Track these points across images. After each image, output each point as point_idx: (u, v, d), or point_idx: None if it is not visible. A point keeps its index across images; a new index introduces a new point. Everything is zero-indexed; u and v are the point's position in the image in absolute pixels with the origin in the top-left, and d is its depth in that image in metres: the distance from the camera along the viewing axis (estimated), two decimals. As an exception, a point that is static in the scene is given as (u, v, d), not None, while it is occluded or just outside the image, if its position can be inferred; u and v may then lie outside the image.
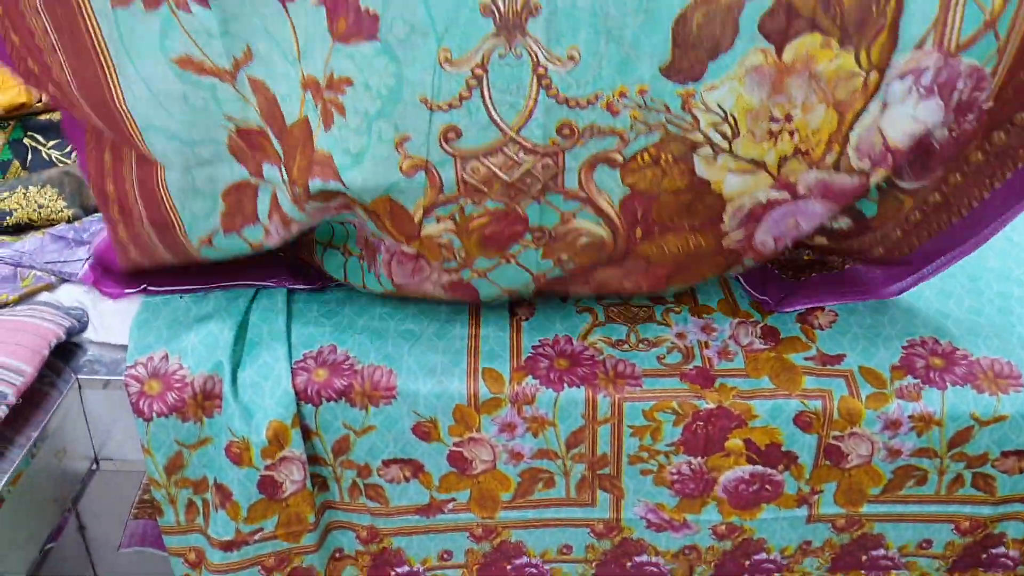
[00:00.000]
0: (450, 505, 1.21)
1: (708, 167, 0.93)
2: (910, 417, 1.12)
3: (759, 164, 0.93)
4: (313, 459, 1.16)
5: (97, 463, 1.26)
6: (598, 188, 0.94)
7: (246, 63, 0.92)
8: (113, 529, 1.62)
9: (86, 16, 0.91)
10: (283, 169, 0.96)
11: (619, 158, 0.92)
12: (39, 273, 1.29)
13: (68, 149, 1.44)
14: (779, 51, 0.87)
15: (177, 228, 1.07)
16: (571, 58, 0.87)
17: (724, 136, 0.91)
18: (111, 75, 0.94)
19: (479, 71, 0.87)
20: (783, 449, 1.15)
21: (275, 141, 0.96)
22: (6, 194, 1.35)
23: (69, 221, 1.37)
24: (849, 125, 0.91)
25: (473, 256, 1.01)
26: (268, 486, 1.13)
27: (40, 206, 1.35)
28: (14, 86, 1.38)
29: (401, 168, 0.92)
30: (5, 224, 1.35)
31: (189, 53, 0.91)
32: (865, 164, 0.92)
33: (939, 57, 0.87)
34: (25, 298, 1.25)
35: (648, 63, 0.87)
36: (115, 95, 0.94)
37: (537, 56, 0.87)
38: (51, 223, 1.36)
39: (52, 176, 1.37)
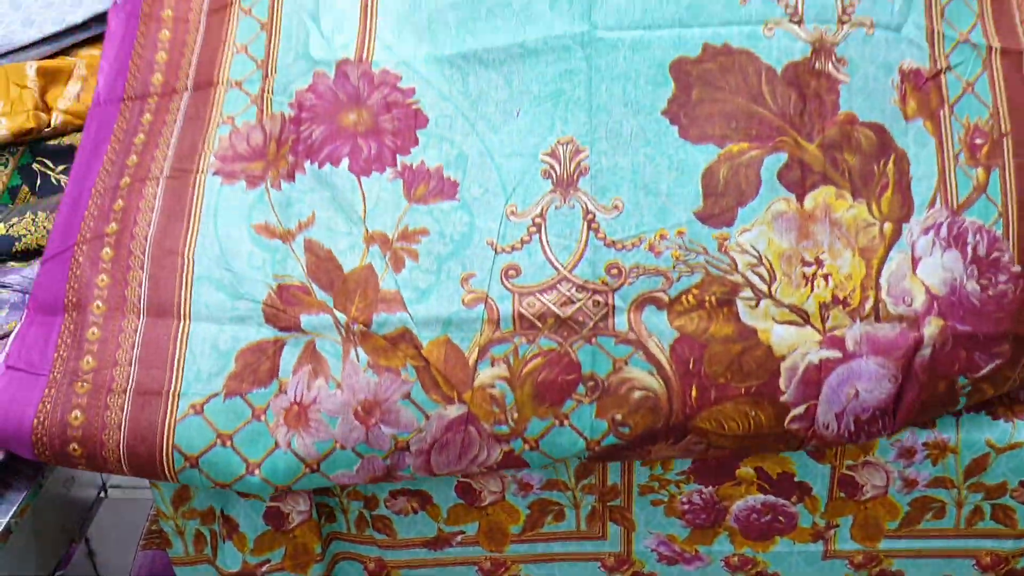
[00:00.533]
0: (458, 538, 1.19)
1: (752, 313, 1.03)
2: (924, 444, 1.10)
3: (802, 313, 1.03)
4: (319, 489, 1.15)
5: (105, 491, 1.26)
6: (648, 331, 1.03)
7: (308, 227, 1.10)
8: (123, 556, 1.61)
9: (196, 186, 1.14)
10: (336, 313, 1.07)
11: (665, 298, 1.03)
12: (47, 300, 1.29)
13: (77, 174, 1.44)
14: (800, 199, 1.04)
15: (165, 394, 1.05)
16: (615, 207, 1.06)
17: (762, 279, 1.03)
18: (192, 231, 1.11)
19: (539, 220, 1.07)
20: (796, 479, 1.13)
21: (319, 292, 1.08)
22: (15, 219, 1.35)
23: (78, 246, 1.37)
24: (877, 271, 1.04)
25: (526, 415, 1.03)
26: (274, 517, 1.12)
27: (49, 232, 1.34)
28: (23, 111, 1.38)
29: (463, 301, 1.05)
30: (14, 250, 1.34)
31: (268, 221, 1.11)
32: (903, 310, 1.02)
33: (948, 213, 1.04)
34: (33, 326, 1.25)
35: (683, 209, 1.05)
36: (187, 247, 1.10)
37: (587, 205, 1.07)
38: (60, 249, 1.36)
39: (59, 202, 1.37)
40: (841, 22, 1.11)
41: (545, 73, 1.13)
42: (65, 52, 1.51)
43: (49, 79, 1.44)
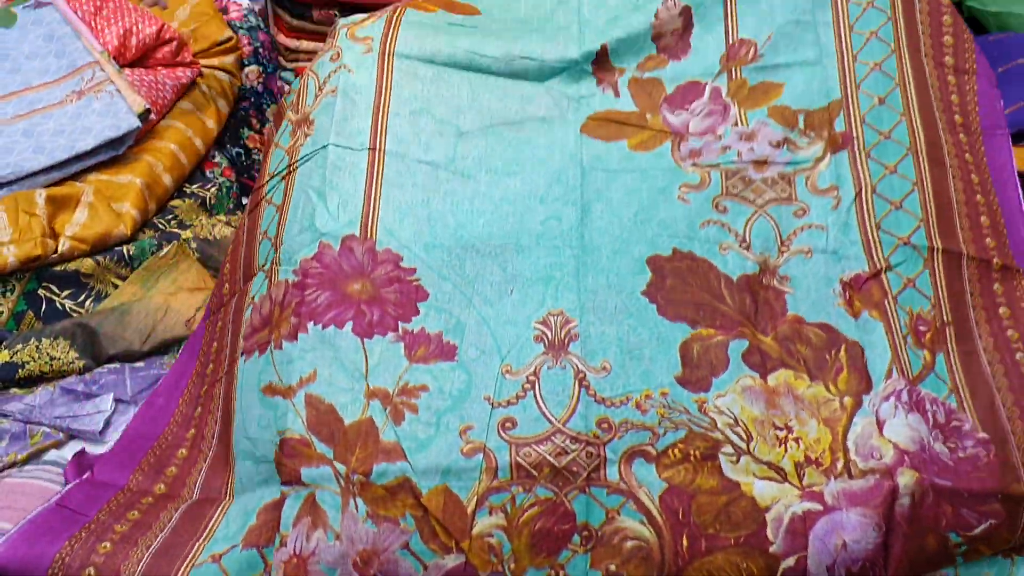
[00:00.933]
0: None
1: (734, 468, 1.11)
2: None
3: (779, 471, 1.11)
4: None
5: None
6: (637, 482, 1.10)
7: (309, 382, 1.16)
8: None
9: (236, 373, 1.24)
10: (336, 464, 1.11)
11: (653, 451, 1.11)
12: (47, 429, 1.30)
13: (82, 299, 1.46)
14: (764, 378, 1.18)
15: (190, 546, 1.10)
16: (604, 368, 1.18)
17: (740, 437, 1.13)
18: (233, 413, 1.21)
19: (532, 378, 1.17)
20: None
21: (319, 445, 1.12)
22: (19, 346, 1.37)
23: (80, 372, 1.38)
24: (843, 436, 1.12)
25: (523, 565, 1.06)
26: None
27: (52, 358, 1.36)
28: (31, 239, 1.40)
29: (462, 451, 1.12)
30: (17, 377, 1.36)
31: (272, 381, 1.18)
32: (874, 464, 1.09)
33: (905, 383, 1.16)
34: (33, 456, 1.26)
35: (666, 373, 1.17)
36: (232, 427, 1.19)
37: (577, 366, 1.18)
38: (63, 375, 1.38)
39: (65, 328, 1.39)
40: (781, 252, 1.30)
41: (537, 263, 1.29)
42: (74, 178, 1.56)
43: (57, 206, 1.48)
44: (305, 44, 2.01)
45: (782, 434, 1.13)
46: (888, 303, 1.23)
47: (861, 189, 1.33)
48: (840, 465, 1.10)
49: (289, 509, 1.09)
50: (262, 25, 1.95)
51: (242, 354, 1.25)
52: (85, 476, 1.21)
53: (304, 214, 1.31)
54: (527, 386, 1.17)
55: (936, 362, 1.19)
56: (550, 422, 1.13)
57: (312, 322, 1.21)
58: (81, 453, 1.24)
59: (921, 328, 1.22)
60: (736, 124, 1.42)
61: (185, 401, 1.31)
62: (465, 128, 1.41)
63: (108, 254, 1.48)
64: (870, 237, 1.29)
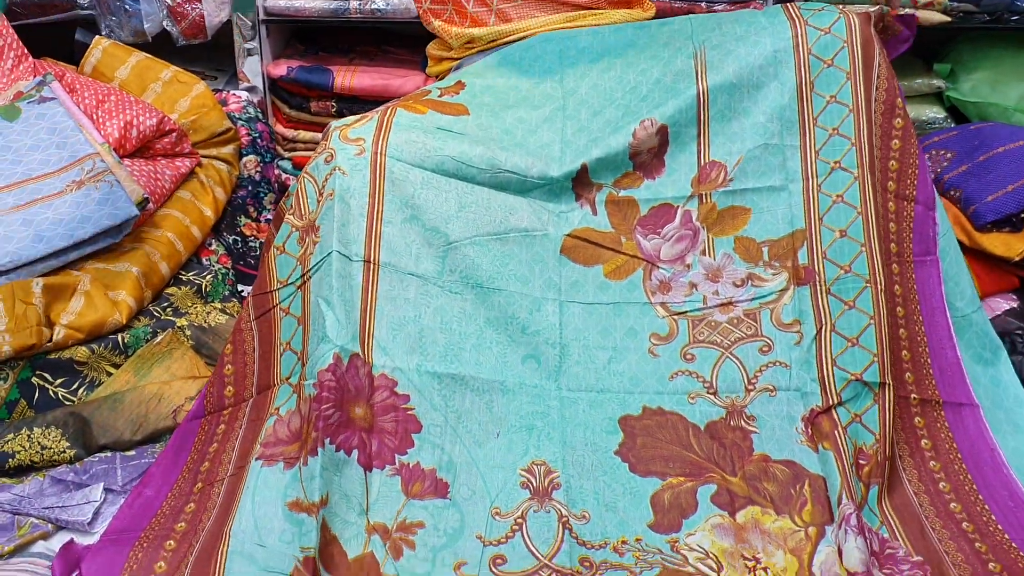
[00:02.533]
0: None
1: None
2: None
3: None
4: None
5: None
6: None
7: (323, 506, 1.23)
8: None
9: (245, 476, 1.28)
10: None
11: None
12: (36, 521, 1.29)
13: (75, 387, 1.46)
14: (732, 515, 1.29)
15: None
16: (584, 516, 1.30)
17: (711, 568, 1.23)
18: (233, 512, 1.24)
19: (520, 520, 1.29)
20: None
21: (324, 573, 1.19)
22: (10, 436, 1.37)
23: (71, 462, 1.38)
24: (808, 564, 1.22)
25: None
26: None
27: (43, 448, 1.36)
28: (26, 328, 1.41)
29: None
30: (7, 467, 1.35)
31: (299, 497, 1.24)
32: None
33: (853, 507, 1.25)
34: (20, 548, 1.25)
35: (639, 522, 1.29)
36: (227, 525, 1.22)
37: (560, 511, 1.30)
38: (53, 464, 1.37)
39: (56, 417, 1.39)
40: (747, 391, 1.42)
41: (521, 408, 1.41)
42: (71, 266, 1.58)
43: (54, 295, 1.49)
44: (303, 134, 2.06)
45: (751, 563, 1.24)
46: (838, 433, 1.34)
47: (822, 327, 1.44)
48: None
49: None
50: (260, 116, 2.00)
51: (258, 459, 1.30)
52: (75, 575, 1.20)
53: (318, 325, 1.38)
54: (515, 527, 1.28)
55: (869, 496, 1.30)
56: (537, 558, 1.25)
57: (328, 439, 1.28)
58: (68, 546, 1.22)
59: (861, 462, 1.33)
60: (704, 252, 1.53)
61: (174, 495, 1.32)
62: (453, 237, 1.47)
63: (102, 342, 1.49)
64: (826, 373, 1.40)
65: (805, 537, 1.25)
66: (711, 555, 1.24)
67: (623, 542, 1.27)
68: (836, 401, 1.37)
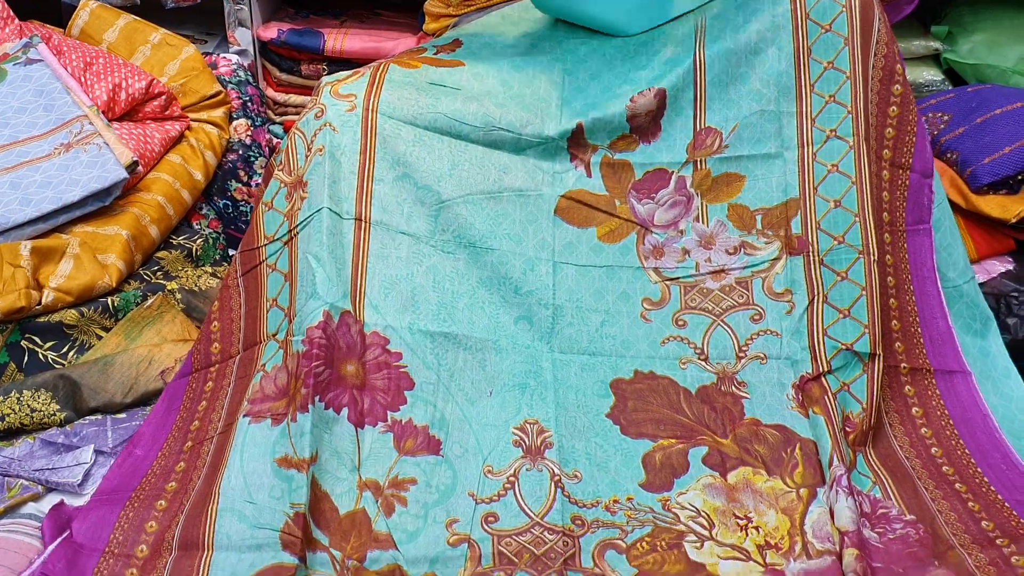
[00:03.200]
0: None
1: (698, 552, 1.20)
2: None
3: (743, 551, 1.20)
4: None
5: None
6: (610, 567, 1.19)
7: (313, 463, 1.22)
8: None
9: (233, 433, 1.26)
10: (332, 551, 1.18)
11: (623, 544, 1.21)
12: (26, 482, 1.28)
13: (65, 350, 1.45)
14: (723, 476, 1.30)
15: None
16: (576, 476, 1.30)
17: (702, 526, 1.23)
18: (222, 469, 1.22)
19: (512, 478, 1.29)
20: None
21: (315, 530, 1.19)
22: (0, 398, 1.36)
23: (61, 424, 1.37)
24: (800, 523, 1.22)
25: None
26: None
27: (33, 410, 1.36)
28: (14, 290, 1.40)
29: (448, 541, 1.21)
30: (-3, 429, 1.35)
31: (287, 453, 1.22)
32: (828, 546, 1.18)
33: (844, 468, 1.25)
34: (10, 510, 1.24)
35: (630, 482, 1.30)
36: (216, 484, 1.21)
37: (553, 470, 1.29)
38: (43, 427, 1.37)
39: (46, 380, 1.38)
40: (739, 358, 1.43)
41: (514, 368, 1.41)
42: (60, 229, 1.56)
43: (42, 257, 1.48)
44: (294, 98, 2.04)
45: (743, 522, 1.24)
46: (827, 399, 1.34)
47: (814, 298, 1.44)
48: (799, 548, 1.20)
49: None
50: (251, 79, 1.98)
51: (245, 416, 1.28)
52: (65, 536, 1.19)
53: (307, 281, 1.36)
54: (507, 485, 1.28)
55: (857, 461, 1.30)
56: (529, 516, 1.24)
57: (318, 396, 1.27)
58: (58, 507, 1.22)
59: (848, 429, 1.33)
60: (698, 219, 1.52)
61: (164, 454, 1.31)
62: (446, 196, 1.46)
63: (92, 305, 1.48)
64: (816, 342, 1.41)
65: (797, 498, 1.26)
66: (703, 513, 1.25)
67: (615, 501, 1.27)
68: (826, 369, 1.38)
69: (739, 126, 1.53)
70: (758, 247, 1.50)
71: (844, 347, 1.39)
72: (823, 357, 1.39)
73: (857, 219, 1.46)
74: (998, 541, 1.17)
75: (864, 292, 1.42)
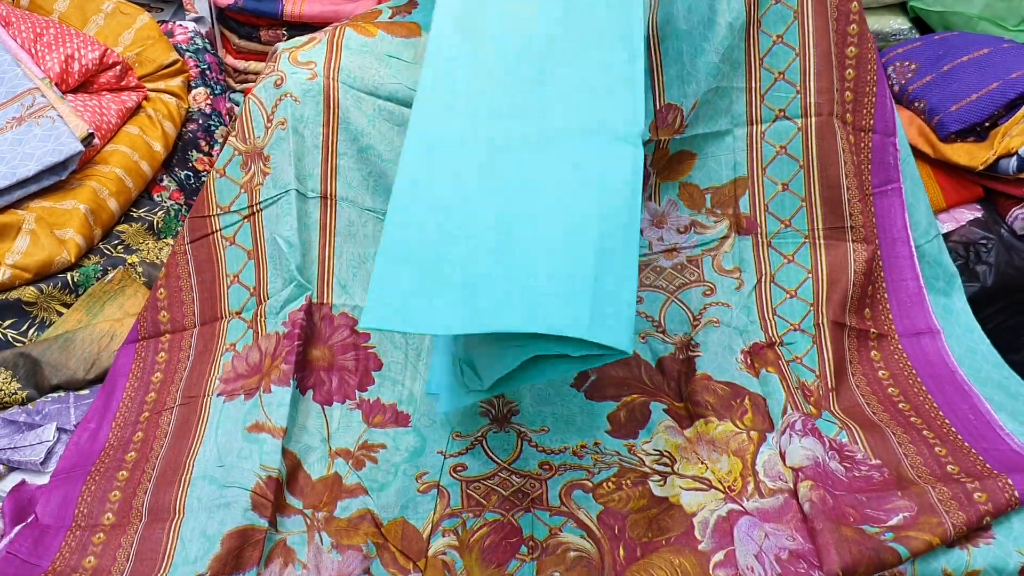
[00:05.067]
0: None
1: (662, 488, 1.23)
2: None
3: (704, 481, 1.23)
4: None
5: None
6: (577, 505, 1.21)
7: (285, 434, 1.24)
8: None
9: (202, 408, 1.30)
10: (304, 511, 1.19)
11: (589, 484, 1.24)
12: (-12, 462, 1.27)
13: (25, 328, 1.43)
14: (682, 430, 1.32)
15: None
16: (543, 430, 1.33)
17: (665, 465, 1.26)
18: (196, 443, 1.25)
19: (480, 438, 1.32)
20: None
21: (289, 496, 1.20)
22: (-41, 378, 1.34)
23: (22, 403, 1.35)
24: (752, 463, 1.25)
25: None
26: None
27: (-8, 388, 1.34)
28: (-30, 269, 1.38)
29: (418, 490, 1.24)
30: (-44, 408, 1.33)
31: (259, 420, 1.24)
32: (780, 484, 1.21)
33: (799, 415, 1.29)
34: (-28, 490, 1.23)
35: (597, 430, 1.33)
36: (189, 456, 1.23)
37: (519, 430, 1.33)
38: (4, 406, 1.34)
39: (6, 358, 1.36)
40: (694, 326, 1.47)
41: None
42: (15, 205, 1.53)
43: (-3, 234, 1.45)
44: (254, 64, 2.00)
45: (702, 466, 1.26)
46: (782, 363, 1.38)
47: (762, 277, 1.48)
48: (751, 488, 1.22)
49: (266, 550, 1.14)
50: (209, 47, 1.94)
51: (219, 395, 1.30)
52: (31, 519, 1.17)
53: (283, 267, 1.39)
54: (475, 442, 1.31)
55: (822, 415, 1.31)
56: (497, 463, 1.28)
57: (295, 374, 1.29)
58: (19, 487, 1.20)
59: (807, 393, 1.35)
60: (651, 198, 1.54)
61: (119, 425, 1.31)
62: None
63: (51, 281, 1.46)
64: (767, 319, 1.45)
65: (747, 439, 1.29)
66: (665, 453, 1.28)
67: (582, 446, 1.30)
68: (778, 341, 1.42)
69: (699, 103, 1.51)
70: (707, 226, 1.53)
71: (793, 327, 1.43)
72: (774, 331, 1.43)
73: (804, 204, 1.49)
74: (962, 480, 1.17)
75: (810, 275, 1.46)
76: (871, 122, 1.51)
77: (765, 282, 1.48)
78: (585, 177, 0.98)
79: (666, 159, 1.53)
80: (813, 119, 1.50)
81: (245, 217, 1.42)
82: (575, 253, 0.93)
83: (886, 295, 1.47)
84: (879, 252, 1.48)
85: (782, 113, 1.51)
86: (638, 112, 1.03)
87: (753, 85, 1.51)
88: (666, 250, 1.52)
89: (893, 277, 1.48)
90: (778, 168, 1.51)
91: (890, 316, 1.46)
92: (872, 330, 1.44)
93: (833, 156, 1.49)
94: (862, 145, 1.51)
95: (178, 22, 1.95)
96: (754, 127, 1.51)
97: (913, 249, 1.48)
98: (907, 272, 1.48)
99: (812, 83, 1.49)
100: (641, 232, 1.51)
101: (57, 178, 1.55)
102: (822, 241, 1.48)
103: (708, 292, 1.49)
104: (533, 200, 0.97)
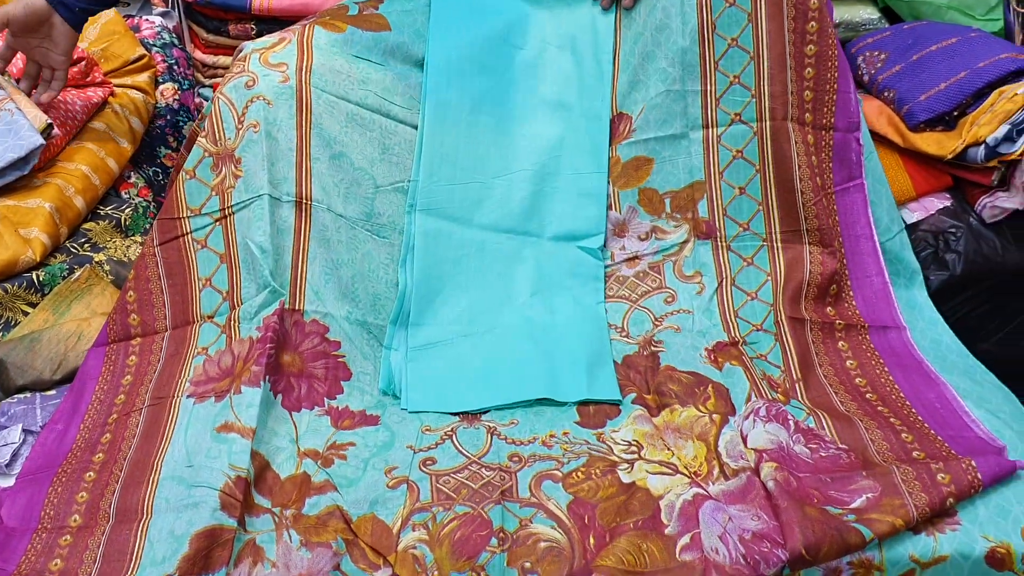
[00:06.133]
0: None
1: (629, 475, 1.23)
2: (849, 564, 1.10)
3: (670, 466, 1.24)
4: None
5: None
6: (547, 495, 1.20)
7: (254, 435, 1.22)
8: None
9: (171, 408, 1.28)
10: (273, 510, 1.17)
11: (559, 474, 1.23)
12: (-48, 465, 1.25)
13: (-11, 328, 1.41)
14: (651, 419, 1.32)
15: None
16: (512, 423, 1.33)
17: (633, 453, 1.27)
18: (164, 444, 1.23)
19: (449, 433, 1.31)
20: None
21: (257, 496, 1.18)
22: (-78, 380, 1.32)
23: (-12, 404, 1.33)
24: (715, 445, 1.26)
25: (445, 571, 1.14)
26: None
27: (-43, 391, 1.32)
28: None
29: (387, 485, 1.22)
30: (-80, 412, 1.31)
31: (228, 420, 1.24)
32: (742, 464, 1.21)
33: (764, 402, 1.31)
34: (-64, 494, 1.21)
35: (566, 420, 1.33)
36: (157, 457, 1.21)
37: (489, 425, 1.32)
38: (-31, 408, 1.33)
39: (-30, 359, 1.34)
40: (655, 327, 1.48)
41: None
42: (-22, 204, 1.51)
43: (-40, 234, 1.43)
44: (223, 59, 1.98)
45: (668, 453, 1.26)
46: (745, 359, 1.39)
47: (722, 281, 1.49)
48: (716, 471, 1.22)
49: (234, 550, 1.12)
50: (176, 42, 1.92)
51: (190, 397, 1.29)
52: None
53: (257, 273, 1.38)
54: (445, 437, 1.30)
55: (790, 402, 1.32)
56: (466, 457, 1.26)
57: (266, 376, 1.28)
58: None
59: (773, 384, 1.36)
60: (610, 207, 1.54)
61: (87, 427, 1.29)
62: (380, 182, 1.48)
63: (16, 281, 1.44)
64: (729, 320, 1.46)
65: (710, 421, 1.29)
66: (633, 443, 1.28)
67: (551, 435, 1.29)
68: (741, 340, 1.43)
69: (646, 108, 1.54)
70: (668, 231, 1.54)
71: (755, 328, 1.45)
72: (737, 332, 1.45)
73: (761, 208, 1.51)
74: (927, 462, 1.18)
75: (769, 277, 1.49)
76: (832, 120, 1.52)
77: (726, 285, 1.50)
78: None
79: (620, 167, 1.55)
80: (768, 123, 1.52)
81: (217, 220, 1.41)
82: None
83: (851, 292, 1.48)
84: (843, 250, 1.49)
85: (738, 117, 1.52)
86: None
87: (708, 88, 1.53)
88: (628, 259, 1.54)
89: (858, 274, 1.49)
90: (735, 172, 1.53)
91: (857, 312, 1.47)
92: (838, 321, 1.44)
93: (788, 161, 1.51)
94: (823, 144, 1.52)
95: (145, 17, 1.94)
96: (710, 131, 1.53)
97: (877, 245, 1.50)
98: (871, 268, 1.49)
99: (766, 87, 1.51)
100: (604, 245, 1.54)
101: (20, 173, 1.53)
102: (779, 244, 1.51)
103: (669, 300, 1.50)
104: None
